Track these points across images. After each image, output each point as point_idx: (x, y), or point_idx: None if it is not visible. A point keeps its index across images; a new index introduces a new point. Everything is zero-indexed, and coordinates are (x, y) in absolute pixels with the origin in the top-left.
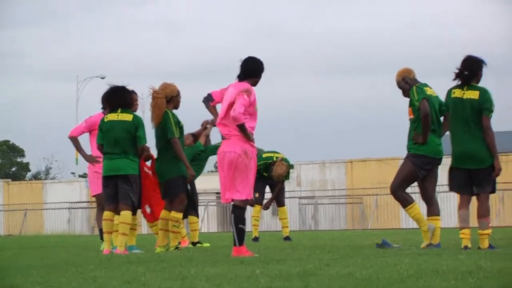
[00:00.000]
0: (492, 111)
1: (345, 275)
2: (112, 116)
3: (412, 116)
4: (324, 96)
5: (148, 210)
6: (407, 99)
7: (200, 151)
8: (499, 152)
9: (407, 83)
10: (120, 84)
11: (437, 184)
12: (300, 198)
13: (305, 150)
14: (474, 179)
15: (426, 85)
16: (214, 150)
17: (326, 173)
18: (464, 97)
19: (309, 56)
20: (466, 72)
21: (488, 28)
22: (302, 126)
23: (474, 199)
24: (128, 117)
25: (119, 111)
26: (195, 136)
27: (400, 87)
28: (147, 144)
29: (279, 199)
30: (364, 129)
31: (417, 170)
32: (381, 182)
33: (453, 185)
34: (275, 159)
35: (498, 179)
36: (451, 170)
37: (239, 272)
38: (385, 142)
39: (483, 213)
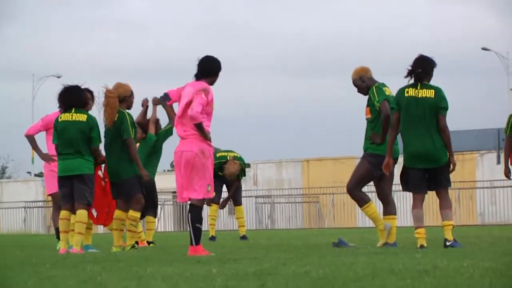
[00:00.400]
0: (447, 110)
1: (301, 274)
2: (66, 116)
3: (369, 116)
4: (281, 96)
5: (94, 213)
6: (364, 100)
7: (154, 142)
8: (454, 152)
9: (364, 82)
10: (74, 83)
11: (394, 183)
12: (256, 197)
13: (261, 149)
14: (432, 177)
15: (384, 85)
16: (166, 134)
17: (282, 172)
18: (419, 96)
19: (265, 57)
20: (419, 70)
21: (439, 28)
22: (258, 125)
23: (427, 198)
24: (82, 117)
25: (73, 110)
26: (143, 126)
27: (356, 85)
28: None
29: (235, 198)
30: (320, 129)
31: (373, 170)
32: (337, 181)
33: (408, 185)
34: (228, 158)
35: (453, 179)
36: (405, 170)
37: (195, 271)
38: (341, 142)
39: (446, 204)
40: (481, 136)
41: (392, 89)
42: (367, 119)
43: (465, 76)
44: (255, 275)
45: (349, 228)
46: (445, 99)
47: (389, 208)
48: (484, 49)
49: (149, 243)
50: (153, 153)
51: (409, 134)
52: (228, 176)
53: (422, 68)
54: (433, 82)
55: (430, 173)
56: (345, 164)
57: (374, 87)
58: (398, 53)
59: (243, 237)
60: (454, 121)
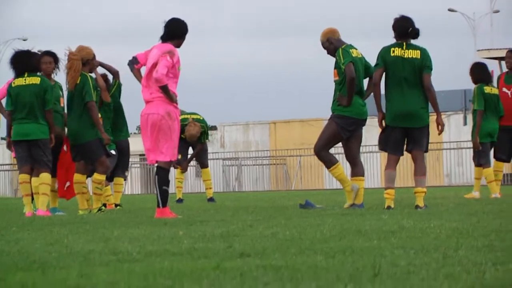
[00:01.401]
0: (431, 70)
1: (268, 236)
2: (19, 81)
3: (337, 78)
4: (248, 58)
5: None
6: (332, 61)
7: (111, 104)
8: (375, 115)
9: (332, 44)
10: (25, 48)
11: (361, 144)
12: (223, 159)
13: (228, 112)
14: (411, 138)
15: (351, 47)
16: (118, 88)
17: (249, 134)
18: (405, 56)
19: (232, 19)
20: (411, 29)
21: None
22: (225, 87)
23: (402, 160)
24: (35, 80)
25: (26, 75)
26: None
27: (325, 47)
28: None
29: (202, 160)
30: (288, 91)
31: (341, 131)
32: (305, 143)
33: (387, 145)
34: (190, 121)
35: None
36: (387, 128)
37: (162, 234)
38: (308, 103)
39: (422, 171)
40: (448, 97)
41: (361, 50)
42: (335, 81)
43: (431, 38)
44: (222, 236)
45: (316, 190)
46: (430, 59)
47: (357, 170)
48: (450, 10)
49: (116, 205)
50: (117, 114)
51: (394, 94)
52: (188, 138)
53: (412, 28)
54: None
55: (410, 134)
56: (312, 126)
57: (340, 49)
58: (365, 14)
59: (210, 199)
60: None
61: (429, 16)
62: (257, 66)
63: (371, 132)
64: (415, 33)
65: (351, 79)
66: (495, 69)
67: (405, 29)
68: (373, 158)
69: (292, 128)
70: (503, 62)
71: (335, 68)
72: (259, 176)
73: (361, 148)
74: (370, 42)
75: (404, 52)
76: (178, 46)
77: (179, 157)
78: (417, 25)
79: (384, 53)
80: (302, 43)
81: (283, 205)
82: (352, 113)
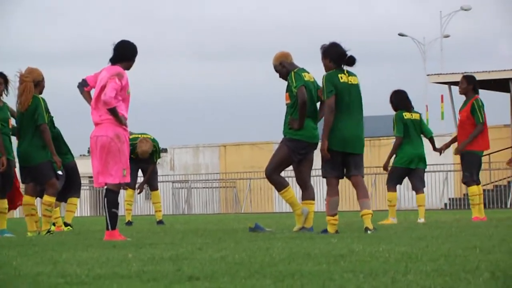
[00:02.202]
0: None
1: (217, 259)
2: None
3: (288, 101)
4: (198, 81)
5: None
6: (283, 85)
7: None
8: (371, 137)
9: (285, 67)
10: None
11: (312, 168)
12: (173, 182)
13: (178, 134)
14: (353, 163)
15: (304, 70)
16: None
17: (199, 157)
18: (349, 82)
19: (183, 41)
20: (350, 55)
21: (357, 14)
22: (176, 110)
23: (342, 183)
24: None
25: None
26: None
27: (277, 70)
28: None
29: (151, 183)
30: (238, 114)
31: (292, 154)
32: (255, 166)
33: (333, 169)
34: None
35: (370, 164)
36: (334, 154)
37: (111, 256)
38: (258, 127)
39: (366, 193)
40: None
41: (313, 74)
42: (286, 104)
43: (382, 62)
44: (171, 259)
45: (266, 213)
46: (314, 86)
47: (308, 193)
48: (400, 34)
49: (66, 224)
50: (57, 140)
51: (343, 119)
52: (140, 155)
53: (350, 56)
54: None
55: (353, 159)
56: (262, 149)
57: (293, 73)
58: (318, 39)
59: (160, 222)
60: (371, 106)
61: (380, 40)
62: (207, 89)
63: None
64: (354, 59)
65: (303, 102)
66: (445, 93)
67: (342, 55)
68: (323, 182)
69: (242, 151)
70: (453, 87)
71: (286, 91)
72: (209, 199)
73: (312, 171)
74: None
75: (348, 79)
76: (127, 68)
77: (130, 179)
78: (359, 50)
79: (334, 79)
80: (253, 66)
81: (233, 228)
82: (303, 136)
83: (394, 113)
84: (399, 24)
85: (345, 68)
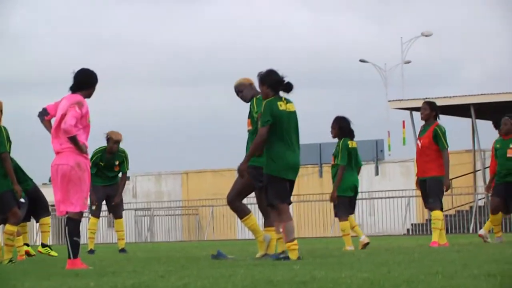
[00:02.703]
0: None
1: (180, 287)
2: None
3: (250, 127)
4: (160, 108)
5: None
6: (246, 111)
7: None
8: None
9: (247, 93)
10: None
11: None
12: (136, 210)
13: (140, 162)
14: (291, 190)
15: None
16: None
17: (162, 184)
18: (288, 109)
19: (145, 67)
20: (288, 82)
21: (317, 39)
22: (137, 137)
23: (304, 209)
24: None
25: None
26: None
27: (239, 96)
28: None
29: (116, 210)
30: (200, 140)
31: (254, 181)
32: (217, 193)
33: (281, 196)
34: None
35: (297, 192)
36: (275, 180)
37: (73, 285)
38: (220, 153)
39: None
40: (360, 147)
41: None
42: (248, 130)
43: (344, 88)
44: None
45: (229, 240)
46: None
47: (270, 220)
48: (361, 60)
49: (44, 245)
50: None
51: (285, 147)
52: (112, 143)
53: (287, 82)
54: (302, 96)
55: (291, 186)
56: (224, 176)
57: (255, 99)
58: (280, 64)
59: (122, 250)
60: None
61: (342, 66)
62: (169, 116)
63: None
64: (291, 86)
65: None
66: (407, 119)
67: (280, 82)
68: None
69: (204, 178)
70: (414, 113)
71: (248, 117)
72: (171, 226)
73: None
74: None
75: (287, 106)
76: (87, 96)
77: (94, 207)
78: (320, 75)
79: (273, 108)
80: (215, 92)
81: (195, 256)
82: (264, 163)
83: (355, 139)
84: (361, 49)
85: (283, 95)
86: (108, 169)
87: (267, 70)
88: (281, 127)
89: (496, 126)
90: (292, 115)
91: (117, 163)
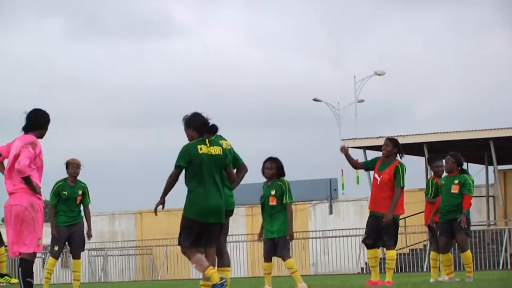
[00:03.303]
0: (231, 163)
1: None
2: None
3: None
4: (114, 147)
5: None
6: None
7: None
8: (247, 204)
9: (194, 132)
10: None
11: (228, 234)
12: (89, 250)
13: (94, 202)
14: (209, 233)
15: (221, 137)
16: None
17: (115, 224)
18: (212, 153)
19: (97, 107)
20: (212, 124)
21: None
22: (90, 177)
23: None
24: None
25: None
26: None
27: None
28: None
29: (76, 250)
30: (153, 180)
31: None
32: (171, 232)
33: (190, 238)
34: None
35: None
36: (190, 223)
37: None
38: (173, 193)
39: (214, 264)
40: (313, 186)
41: (234, 139)
42: None
43: (298, 127)
44: None
45: (183, 279)
46: (231, 153)
47: (223, 260)
48: (315, 99)
49: (2, 275)
50: None
51: (205, 190)
52: (73, 170)
53: (212, 124)
54: (255, 134)
55: (209, 230)
56: (178, 216)
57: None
58: (232, 102)
59: None
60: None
61: (296, 105)
62: (122, 156)
63: (237, 221)
64: (216, 128)
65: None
66: (360, 158)
67: (204, 124)
68: (239, 247)
69: (158, 218)
70: (368, 151)
71: None
72: (125, 266)
73: (227, 237)
74: (243, 131)
75: (210, 149)
76: (40, 137)
77: (56, 248)
78: (271, 113)
79: (191, 151)
80: (167, 132)
81: None
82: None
83: (306, 178)
84: (315, 88)
85: (209, 138)
86: (71, 201)
87: (192, 113)
88: (201, 170)
89: (429, 162)
90: (217, 157)
91: (80, 192)
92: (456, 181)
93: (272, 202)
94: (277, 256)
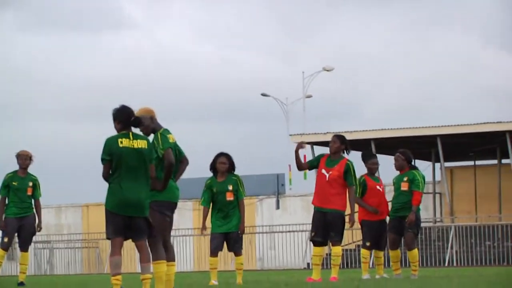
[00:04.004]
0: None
1: None
2: None
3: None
4: (60, 140)
5: None
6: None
7: None
8: (194, 198)
9: (153, 123)
10: None
11: (173, 228)
12: (35, 242)
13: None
14: (135, 227)
15: (168, 132)
16: None
17: (62, 217)
18: (135, 146)
19: (46, 99)
20: (133, 118)
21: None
22: (37, 170)
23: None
24: None
25: None
26: None
27: (144, 124)
28: None
29: (26, 242)
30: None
31: (164, 216)
32: None
33: (112, 230)
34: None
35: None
36: (111, 215)
37: None
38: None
39: (148, 258)
40: (261, 181)
41: (178, 133)
42: None
43: (246, 121)
44: None
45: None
46: (153, 150)
47: (169, 254)
48: (263, 94)
49: None
50: None
51: (124, 183)
52: (24, 158)
53: (134, 117)
54: (204, 128)
55: (134, 223)
56: None
57: (159, 134)
58: (184, 97)
59: (21, 284)
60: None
61: (243, 99)
62: (69, 148)
63: (184, 215)
64: (139, 122)
65: (170, 164)
66: (308, 153)
67: (128, 117)
68: (186, 242)
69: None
70: (315, 147)
71: None
72: (71, 259)
73: (172, 231)
74: (191, 125)
75: (132, 143)
76: None
77: (6, 239)
78: (219, 108)
79: (112, 145)
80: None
81: None
82: (168, 197)
83: (254, 173)
84: (263, 82)
85: (133, 131)
86: (22, 192)
87: (119, 106)
88: (120, 163)
89: (364, 159)
90: (137, 151)
91: (30, 184)
92: (405, 179)
93: (230, 197)
94: (231, 251)
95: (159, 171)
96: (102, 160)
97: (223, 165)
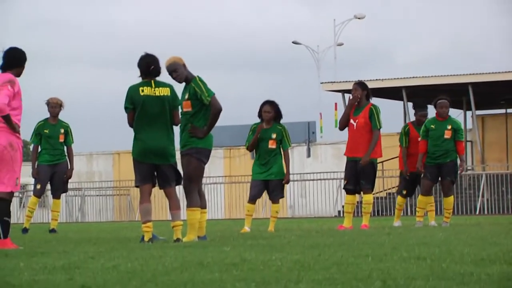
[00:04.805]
0: (178, 107)
1: (110, 268)
2: None
3: (189, 109)
4: (92, 88)
5: None
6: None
7: None
8: (225, 146)
9: (186, 70)
10: None
11: (205, 176)
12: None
13: None
14: (161, 174)
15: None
16: None
17: (93, 164)
18: (156, 94)
19: (77, 48)
20: (153, 67)
21: (249, 22)
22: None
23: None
24: None
25: None
26: None
27: (177, 71)
28: None
29: (58, 189)
30: None
31: (201, 163)
32: None
33: (139, 177)
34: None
35: (229, 173)
36: (136, 163)
37: (3, 265)
38: None
39: (177, 205)
40: (292, 129)
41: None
42: (186, 112)
43: (276, 69)
44: (63, 268)
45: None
46: (177, 97)
47: (201, 202)
48: (294, 42)
49: None
50: None
51: (144, 131)
52: (54, 106)
53: (154, 66)
54: (235, 78)
55: (160, 171)
56: None
57: (199, 80)
58: (213, 45)
59: (52, 230)
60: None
61: (274, 48)
62: (101, 96)
63: (215, 163)
64: (157, 71)
65: (217, 111)
66: (339, 101)
67: (148, 67)
68: (217, 189)
69: None
70: (346, 95)
71: (188, 99)
72: (102, 206)
73: (204, 179)
74: (220, 75)
75: (153, 91)
76: (18, 75)
77: (38, 186)
78: (252, 57)
79: (133, 94)
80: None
81: (126, 237)
82: (207, 144)
83: (285, 121)
84: (294, 31)
85: (156, 79)
86: (54, 139)
87: (143, 54)
88: (143, 112)
89: (416, 108)
90: (159, 99)
91: (62, 131)
92: (449, 127)
93: (272, 145)
94: (271, 199)
95: (200, 118)
96: (125, 108)
97: (267, 113)
